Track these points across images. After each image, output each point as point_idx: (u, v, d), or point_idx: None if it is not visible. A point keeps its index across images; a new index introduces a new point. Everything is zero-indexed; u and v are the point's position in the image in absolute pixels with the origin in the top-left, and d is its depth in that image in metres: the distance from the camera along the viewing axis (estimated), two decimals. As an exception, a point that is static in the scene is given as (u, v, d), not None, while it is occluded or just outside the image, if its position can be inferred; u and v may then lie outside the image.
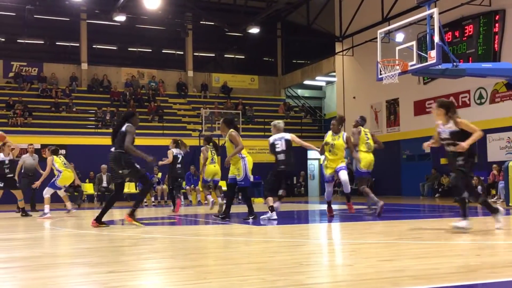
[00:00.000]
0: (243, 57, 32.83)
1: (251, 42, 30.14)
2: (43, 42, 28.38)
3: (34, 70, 26.93)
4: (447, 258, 4.91)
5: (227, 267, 4.65)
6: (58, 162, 12.53)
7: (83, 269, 4.76)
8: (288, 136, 10.04)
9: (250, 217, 9.85)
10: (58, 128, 23.08)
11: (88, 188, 20.96)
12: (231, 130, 9.76)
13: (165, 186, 19.71)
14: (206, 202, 18.47)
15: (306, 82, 31.05)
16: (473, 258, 4.87)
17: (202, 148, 13.61)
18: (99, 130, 23.84)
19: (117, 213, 12.90)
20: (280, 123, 10.22)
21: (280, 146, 9.91)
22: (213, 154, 13.37)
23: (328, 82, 31.23)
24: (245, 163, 9.73)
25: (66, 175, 12.52)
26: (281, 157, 9.88)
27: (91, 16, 27.05)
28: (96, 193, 20.13)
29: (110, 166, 8.90)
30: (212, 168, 13.19)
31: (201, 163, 13.97)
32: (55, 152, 12.71)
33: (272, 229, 8.58)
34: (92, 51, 28.42)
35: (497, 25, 18.64)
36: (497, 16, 18.61)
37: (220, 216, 10.08)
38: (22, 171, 14.72)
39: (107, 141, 25.28)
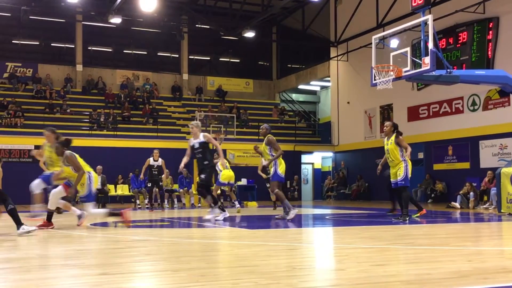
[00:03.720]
0: (238, 60, 32.86)
1: (247, 46, 30.17)
2: (38, 43, 28.31)
3: (29, 71, 26.85)
4: (439, 264, 4.94)
5: (219, 270, 4.65)
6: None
7: (74, 271, 4.75)
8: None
9: (406, 219, 10.31)
10: (52, 129, 22.99)
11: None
12: (399, 134, 10.54)
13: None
14: (199, 204, 18.53)
15: (301, 86, 31.12)
16: (464, 264, 4.90)
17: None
18: (93, 132, 23.80)
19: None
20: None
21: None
22: (225, 161, 15.01)
23: (322, 87, 31.30)
24: (406, 164, 10.48)
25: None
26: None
27: (86, 18, 27.01)
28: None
29: None
30: (228, 173, 14.85)
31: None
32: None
33: (265, 233, 8.60)
34: (87, 53, 28.38)
35: (490, 32, 18.76)
36: (491, 24, 18.74)
37: (400, 218, 10.58)
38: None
39: (101, 142, 25.14)
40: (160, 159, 16.23)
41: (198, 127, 10.87)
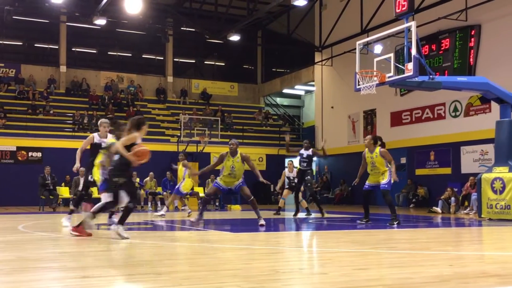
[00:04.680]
0: (223, 64, 32.85)
1: (232, 49, 30.18)
2: (21, 43, 28.03)
3: (12, 71, 26.55)
4: (421, 268, 4.99)
5: (203, 274, 4.65)
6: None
7: (57, 274, 4.72)
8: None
9: (395, 223, 10.47)
10: (35, 130, 22.79)
11: (64, 191, 20.67)
12: (383, 147, 10.88)
13: (142, 192, 19.59)
14: (183, 207, 18.50)
15: (285, 90, 31.19)
16: (446, 268, 4.96)
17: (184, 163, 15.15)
18: (76, 134, 23.59)
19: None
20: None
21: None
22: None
23: (307, 91, 31.41)
24: (391, 171, 10.74)
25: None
26: None
27: (71, 19, 26.80)
28: (72, 196, 19.87)
29: None
30: (190, 183, 15.06)
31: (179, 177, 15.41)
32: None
33: (249, 237, 8.61)
34: (71, 54, 28.15)
35: (472, 39, 19.01)
36: (473, 31, 18.98)
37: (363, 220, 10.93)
38: None
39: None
40: None
41: (109, 127, 10.07)
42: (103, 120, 10.44)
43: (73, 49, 28.39)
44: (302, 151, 13.73)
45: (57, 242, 7.54)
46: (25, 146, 22.16)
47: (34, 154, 22.12)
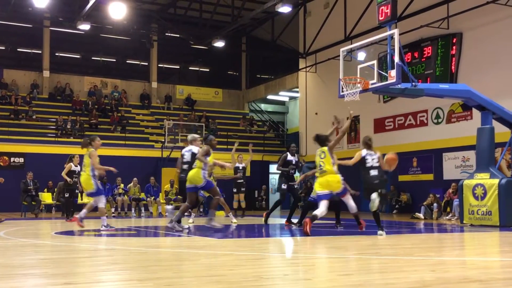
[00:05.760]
0: (207, 70, 32.86)
1: (216, 55, 30.21)
2: (4, 48, 27.76)
3: (-6, 76, 26.30)
4: (404, 273, 5.03)
5: (187, 280, 4.64)
6: None
7: (38, 280, 4.68)
8: (196, 149, 10.75)
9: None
10: (17, 135, 22.56)
11: (46, 197, 20.49)
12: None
13: (125, 197, 19.48)
14: (167, 214, 18.36)
15: (270, 97, 31.27)
16: (428, 274, 5.00)
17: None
18: (59, 139, 23.41)
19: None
20: (189, 136, 11.37)
21: (186, 157, 10.82)
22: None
23: (291, 98, 31.52)
24: None
25: None
26: (186, 167, 10.69)
27: (54, 24, 26.61)
28: (55, 202, 19.70)
29: None
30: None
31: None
32: None
33: (233, 243, 8.60)
34: (54, 59, 27.95)
35: (454, 47, 19.26)
36: (455, 39, 19.24)
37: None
38: None
39: (67, 150, 24.89)
40: (78, 166, 14.08)
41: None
42: (197, 136, 11.40)
43: (56, 54, 28.20)
44: (290, 157, 13.37)
45: (39, 249, 7.47)
46: (7, 151, 21.93)
47: (17, 159, 21.89)
